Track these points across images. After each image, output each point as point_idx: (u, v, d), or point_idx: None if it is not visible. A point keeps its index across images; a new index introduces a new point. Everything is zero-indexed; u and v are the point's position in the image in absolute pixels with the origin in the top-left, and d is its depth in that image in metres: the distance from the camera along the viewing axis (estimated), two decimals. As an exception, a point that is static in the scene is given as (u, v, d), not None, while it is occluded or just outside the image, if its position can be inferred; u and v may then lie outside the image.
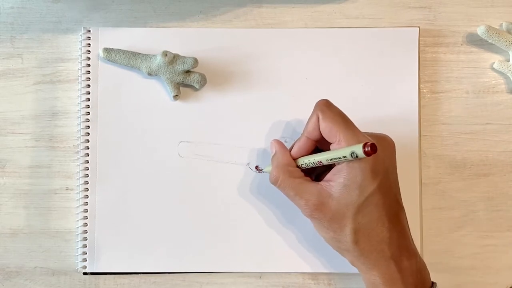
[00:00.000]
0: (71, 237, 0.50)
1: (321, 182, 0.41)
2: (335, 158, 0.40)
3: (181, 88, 0.50)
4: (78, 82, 0.50)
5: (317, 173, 0.45)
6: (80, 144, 0.49)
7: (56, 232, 0.50)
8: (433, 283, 0.42)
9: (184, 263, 0.49)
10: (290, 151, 0.45)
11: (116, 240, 0.49)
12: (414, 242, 0.43)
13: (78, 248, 0.49)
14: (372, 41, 0.50)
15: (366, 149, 0.37)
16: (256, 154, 0.49)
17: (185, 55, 0.48)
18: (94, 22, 0.51)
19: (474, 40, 0.51)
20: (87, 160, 0.49)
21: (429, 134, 0.50)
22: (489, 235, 0.50)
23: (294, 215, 0.49)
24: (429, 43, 0.51)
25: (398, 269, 0.40)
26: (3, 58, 0.51)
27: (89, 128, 0.49)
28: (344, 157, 0.39)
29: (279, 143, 0.46)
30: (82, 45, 0.50)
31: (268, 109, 0.50)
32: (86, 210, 0.49)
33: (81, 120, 0.49)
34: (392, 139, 0.43)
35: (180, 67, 0.48)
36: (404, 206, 0.43)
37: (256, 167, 0.49)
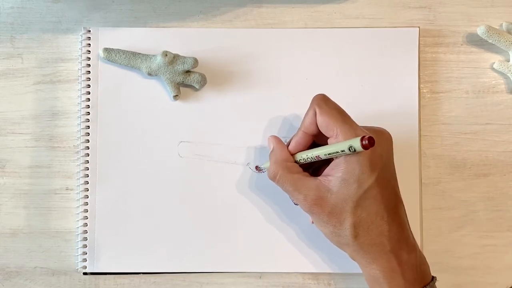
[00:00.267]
0: (71, 237, 0.50)
1: (319, 177, 0.42)
2: (333, 153, 0.40)
3: (181, 88, 0.50)
4: (78, 82, 0.50)
5: (315, 168, 0.45)
6: (80, 144, 0.49)
7: (56, 232, 0.50)
8: (433, 277, 0.42)
9: (184, 263, 0.49)
10: (287, 147, 0.45)
11: (116, 240, 0.49)
12: (414, 242, 0.43)
13: (78, 248, 0.49)
14: (372, 41, 0.50)
15: (363, 142, 0.37)
16: (256, 154, 0.49)
17: (185, 55, 0.48)
18: (94, 22, 0.51)
19: (474, 40, 0.51)
20: (87, 160, 0.49)
21: (429, 134, 0.50)
22: (489, 235, 0.50)
23: (294, 215, 0.49)
24: (429, 43, 0.51)
25: (398, 263, 0.40)
26: (3, 58, 0.51)
27: (89, 128, 0.49)
28: (342, 151, 0.39)
29: (277, 138, 0.46)
30: (82, 45, 0.50)
31: (268, 109, 0.50)
32: (86, 210, 0.49)
33: (81, 120, 0.49)
34: (390, 134, 0.43)
35: (180, 67, 0.48)
36: (404, 206, 0.43)
37: (256, 167, 0.49)
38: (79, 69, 0.50)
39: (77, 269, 0.49)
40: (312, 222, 0.44)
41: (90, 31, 0.50)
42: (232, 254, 0.49)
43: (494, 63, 0.50)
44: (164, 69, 0.48)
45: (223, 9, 0.51)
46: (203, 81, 0.49)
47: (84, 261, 0.49)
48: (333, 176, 0.40)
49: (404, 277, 0.40)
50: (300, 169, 0.44)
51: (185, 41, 0.50)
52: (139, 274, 0.49)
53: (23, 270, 0.50)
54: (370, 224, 0.40)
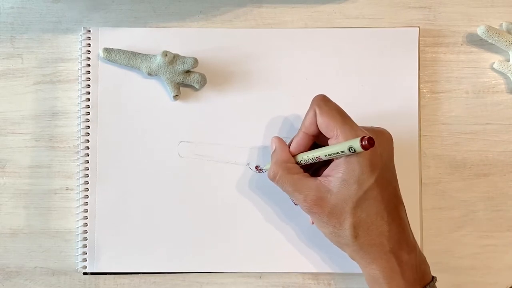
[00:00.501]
0: (71, 237, 0.50)
1: (319, 178, 0.42)
2: (333, 153, 0.40)
3: (181, 88, 0.50)
4: (78, 82, 0.50)
5: (315, 169, 0.45)
6: (80, 144, 0.49)
7: (56, 232, 0.50)
8: (433, 277, 0.42)
9: (184, 263, 0.49)
10: (289, 147, 0.45)
11: (116, 240, 0.49)
12: (414, 242, 0.43)
13: (78, 248, 0.49)
14: (372, 41, 0.50)
15: (363, 143, 0.37)
16: (256, 154, 0.49)
17: (185, 55, 0.48)
18: (94, 22, 0.51)
19: (474, 40, 0.51)
20: (87, 160, 0.49)
21: (429, 134, 0.50)
22: (489, 235, 0.50)
23: (294, 215, 0.49)
24: (429, 43, 0.51)
25: (398, 263, 0.40)
26: (3, 58, 0.51)
27: (89, 128, 0.49)
28: (342, 151, 0.39)
29: (279, 140, 0.46)
30: (82, 45, 0.50)
31: (268, 109, 0.50)
32: (86, 210, 0.49)
33: (81, 120, 0.49)
34: (391, 134, 0.43)
35: (180, 67, 0.48)
36: (404, 206, 0.43)
37: (256, 167, 0.49)
38: (79, 69, 0.50)
39: (77, 269, 0.49)
40: (312, 223, 0.44)
41: (90, 31, 0.50)
42: (232, 254, 0.49)
43: (494, 63, 0.50)
44: (164, 69, 0.48)
45: (223, 9, 0.51)
46: (203, 81, 0.49)
47: (84, 261, 0.49)
48: (333, 176, 0.40)
49: (404, 277, 0.40)
50: (301, 170, 0.44)
51: (185, 41, 0.50)
52: (139, 274, 0.49)
53: (23, 270, 0.50)
54: (370, 225, 0.40)
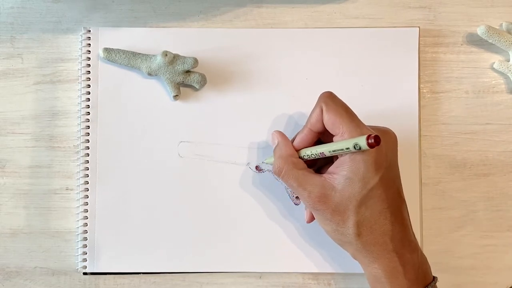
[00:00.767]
0: (71, 237, 0.50)
1: (324, 175, 0.41)
2: (338, 150, 0.40)
3: (181, 88, 0.50)
4: (78, 82, 0.50)
5: (319, 166, 0.45)
6: (80, 144, 0.49)
7: (56, 232, 0.50)
8: (434, 277, 0.42)
9: (184, 263, 0.49)
10: (292, 143, 0.45)
11: (116, 240, 0.49)
12: (414, 242, 0.43)
13: (78, 248, 0.49)
14: (372, 41, 0.50)
15: (369, 141, 0.37)
16: (256, 154, 0.49)
17: (185, 55, 0.48)
18: (94, 22, 0.51)
19: (474, 40, 0.51)
20: (87, 160, 0.49)
21: (429, 134, 0.50)
22: (489, 235, 0.50)
23: (294, 215, 0.49)
24: (429, 43, 0.51)
25: (400, 262, 0.40)
26: (3, 58, 0.51)
27: (89, 128, 0.49)
28: (347, 148, 0.39)
29: (281, 134, 0.45)
30: (82, 45, 0.50)
31: (268, 109, 0.50)
32: (86, 210, 0.49)
33: (81, 120, 0.50)
34: (396, 134, 0.43)
35: (180, 67, 0.48)
36: (407, 205, 0.43)
37: (256, 167, 0.49)
38: (79, 69, 0.50)
39: (77, 269, 0.49)
40: (308, 222, 0.44)
41: (90, 31, 0.50)
42: (232, 254, 0.49)
43: (494, 63, 0.50)
44: (164, 69, 0.48)
45: (223, 9, 0.51)
46: (203, 81, 0.49)
47: (84, 261, 0.49)
48: (338, 174, 0.40)
49: (406, 277, 0.40)
50: (305, 165, 0.43)
51: (185, 41, 0.50)
52: (139, 274, 0.49)
53: (23, 270, 0.50)
54: (373, 224, 0.40)
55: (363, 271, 0.43)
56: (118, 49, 0.49)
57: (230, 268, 0.49)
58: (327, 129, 0.42)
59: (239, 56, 0.50)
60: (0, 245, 0.50)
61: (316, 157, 0.42)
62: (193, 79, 0.49)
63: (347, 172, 0.40)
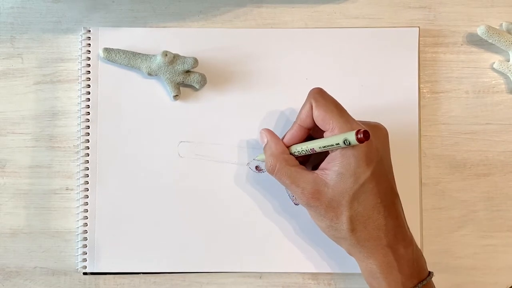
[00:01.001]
0: (71, 237, 0.50)
1: (316, 171, 0.42)
2: (328, 145, 0.40)
3: (181, 88, 0.50)
4: (78, 82, 0.50)
5: (313, 163, 0.45)
6: (80, 144, 0.49)
7: (56, 232, 0.50)
8: (429, 272, 0.42)
9: (184, 263, 0.49)
10: (282, 140, 0.45)
11: (116, 240, 0.49)
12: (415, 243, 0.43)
13: (78, 248, 0.49)
14: (372, 41, 0.50)
15: (358, 136, 0.37)
16: (256, 154, 0.49)
17: (185, 55, 0.48)
18: (94, 22, 0.51)
19: (474, 40, 0.51)
20: (87, 160, 0.49)
21: (429, 134, 0.50)
22: (489, 235, 0.50)
23: (294, 215, 0.49)
24: (429, 43, 0.51)
25: (395, 257, 0.40)
26: (3, 58, 0.51)
27: (89, 128, 0.49)
28: (337, 144, 0.39)
29: (270, 131, 0.46)
30: (82, 45, 0.50)
31: (268, 109, 0.50)
32: (86, 210, 0.49)
33: (81, 120, 0.49)
34: (387, 130, 0.44)
35: (180, 67, 0.48)
36: (404, 206, 0.43)
37: (256, 167, 0.49)
38: (79, 69, 0.50)
39: (77, 269, 0.49)
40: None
41: (90, 31, 0.50)
42: (232, 254, 0.49)
43: (494, 63, 0.50)
44: (164, 69, 0.48)
45: (223, 9, 0.51)
46: (203, 81, 0.49)
47: (84, 261, 0.49)
48: (329, 170, 0.41)
49: (401, 271, 0.40)
50: (297, 162, 0.44)
51: (185, 41, 0.50)
52: (139, 274, 0.49)
53: (23, 270, 0.50)
54: (366, 218, 0.40)
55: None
56: (118, 49, 0.49)
57: (230, 268, 0.49)
58: (317, 125, 0.42)
59: (239, 56, 0.50)
60: (0, 245, 0.50)
61: (307, 153, 0.43)
62: (193, 79, 0.49)
63: (339, 167, 0.40)
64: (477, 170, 0.50)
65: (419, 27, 0.50)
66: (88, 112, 0.49)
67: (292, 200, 0.49)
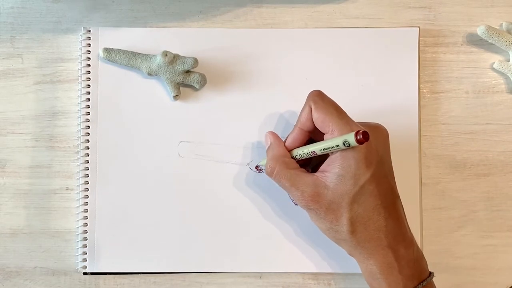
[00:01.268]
0: (71, 237, 0.50)
1: (316, 173, 0.42)
2: (328, 148, 0.40)
3: (181, 88, 0.50)
4: (78, 82, 0.50)
5: (313, 165, 0.45)
6: (80, 144, 0.49)
7: (56, 232, 0.50)
8: (430, 273, 0.42)
9: (184, 263, 0.49)
10: (284, 143, 0.45)
11: (116, 240, 0.49)
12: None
13: (78, 248, 0.49)
14: (372, 41, 0.50)
15: (358, 137, 0.37)
16: (256, 154, 0.49)
17: (185, 55, 0.48)
18: (94, 22, 0.51)
19: (474, 40, 0.51)
20: (87, 160, 0.49)
21: (429, 134, 0.50)
22: (489, 235, 0.50)
23: (294, 215, 0.49)
24: (429, 43, 0.51)
25: (395, 258, 0.40)
26: (3, 58, 0.51)
27: (89, 128, 0.49)
28: (337, 146, 0.39)
29: (274, 134, 0.46)
30: (82, 45, 0.50)
31: (268, 109, 0.50)
32: (86, 210, 0.49)
33: (81, 120, 0.50)
34: (387, 130, 0.43)
35: (180, 67, 0.48)
36: (404, 206, 0.43)
37: (256, 167, 0.49)
38: (79, 69, 0.50)
39: (77, 269, 0.49)
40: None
41: (90, 31, 0.50)
42: (232, 254, 0.49)
43: (494, 63, 0.50)
44: (164, 69, 0.48)
45: (223, 9, 0.51)
46: (203, 81, 0.49)
47: (84, 261, 0.49)
48: (329, 172, 0.41)
49: (401, 272, 0.40)
50: (297, 165, 0.44)
51: (185, 41, 0.50)
52: (139, 274, 0.49)
53: (23, 270, 0.50)
54: (367, 220, 0.40)
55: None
56: (118, 49, 0.49)
57: (230, 268, 0.49)
58: (317, 127, 0.42)
59: (239, 56, 0.50)
60: (0, 245, 0.50)
61: (308, 156, 0.43)
62: (193, 79, 0.49)
63: (338, 169, 0.40)
64: (477, 170, 0.50)
65: (419, 27, 0.50)
66: (88, 112, 0.49)
67: (292, 200, 0.49)
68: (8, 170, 0.50)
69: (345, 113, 0.42)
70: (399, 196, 0.43)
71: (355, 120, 0.41)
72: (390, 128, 0.44)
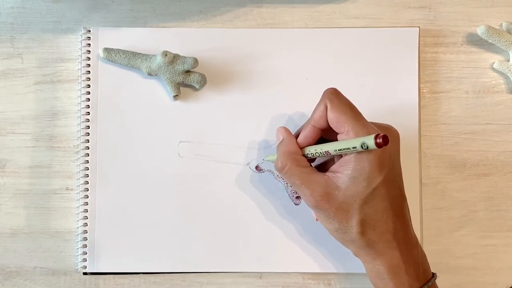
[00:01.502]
0: (71, 237, 0.50)
1: (327, 173, 0.41)
2: (344, 149, 0.39)
3: (181, 88, 0.50)
4: (78, 82, 0.50)
5: (319, 164, 0.45)
6: (80, 144, 0.49)
7: (56, 232, 0.50)
8: (433, 274, 0.42)
9: (184, 263, 0.49)
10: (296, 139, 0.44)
11: (116, 240, 0.49)
12: (414, 242, 0.43)
13: (78, 248, 0.49)
14: (372, 41, 0.50)
15: (378, 140, 0.36)
16: (256, 154, 0.49)
17: (185, 55, 0.48)
18: (94, 22, 0.51)
19: (474, 40, 0.51)
20: (87, 160, 0.49)
21: (429, 134, 0.50)
22: (489, 235, 0.50)
23: (294, 215, 0.49)
24: (429, 43, 0.51)
25: (402, 259, 0.41)
26: (3, 58, 0.51)
27: (89, 128, 0.49)
28: (353, 148, 0.38)
29: (287, 130, 0.45)
30: (82, 45, 0.50)
31: (268, 109, 0.50)
32: (86, 210, 0.49)
33: (81, 120, 0.50)
34: (398, 131, 0.43)
35: (180, 67, 0.48)
36: (407, 202, 0.43)
37: (256, 167, 0.49)
38: (79, 69, 0.50)
39: (77, 269, 0.49)
40: (317, 220, 0.44)
41: (90, 31, 0.50)
42: (232, 254, 0.49)
43: (494, 63, 0.50)
44: (164, 69, 0.48)
45: (223, 9, 0.51)
46: (203, 81, 0.49)
47: (84, 261, 0.49)
48: (341, 173, 0.40)
49: (408, 273, 0.40)
50: (308, 163, 0.43)
51: (185, 41, 0.50)
52: (139, 274, 0.49)
53: (23, 270, 0.50)
54: (376, 222, 0.40)
55: (363, 271, 0.43)
56: (118, 49, 0.49)
57: (230, 268, 0.49)
58: (331, 126, 0.41)
59: (239, 56, 0.50)
60: (0, 245, 0.50)
61: (321, 156, 0.42)
62: (193, 79, 0.49)
63: (352, 171, 0.39)
64: (477, 170, 0.50)
65: (419, 27, 0.50)
66: (88, 112, 0.49)
67: (292, 200, 0.49)
68: (8, 170, 0.50)
69: (360, 113, 0.41)
70: (406, 198, 0.43)
71: None
72: (390, 128, 0.44)
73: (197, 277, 0.49)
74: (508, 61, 0.50)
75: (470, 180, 0.50)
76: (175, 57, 0.48)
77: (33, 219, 0.50)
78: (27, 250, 0.50)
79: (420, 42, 0.50)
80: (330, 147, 0.40)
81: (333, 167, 0.41)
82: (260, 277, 0.50)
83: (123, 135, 0.49)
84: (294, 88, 0.50)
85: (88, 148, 0.49)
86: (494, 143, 0.50)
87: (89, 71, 0.50)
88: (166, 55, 0.48)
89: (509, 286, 0.50)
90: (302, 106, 0.49)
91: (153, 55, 0.49)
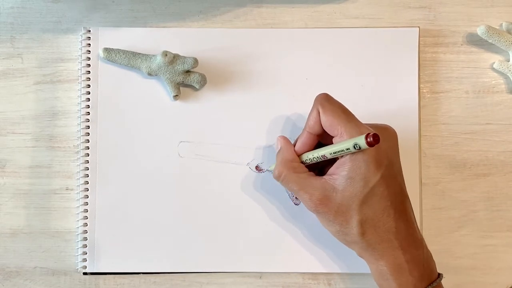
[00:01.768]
0: (71, 237, 0.50)
1: (324, 176, 0.41)
2: (338, 151, 0.40)
3: (181, 88, 0.50)
4: (78, 82, 0.50)
5: (320, 169, 0.45)
6: (80, 144, 0.49)
7: (56, 232, 0.50)
8: (439, 274, 0.42)
9: (184, 263, 0.49)
10: (294, 147, 0.45)
11: (116, 240, 0.49)
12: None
13: (78, 248, 0.49)
14: (372, 41, 0.50)
15: (368, 139, 0.37)
16: (256, 154, 0.49)
17: (185, 55, 0.48)
18: (94, 22, 0.51)
19: (474, 40, 0.51)
20: (87, 160, 0.49)
21: (429, 134, 0.50)
22: (489, 235, 0.50)
23: (294, 215, 0.49)
24: (429, 43, 0.51)
25: (405, 259, 0.40)
26: (3, 58, 0.51)
27: (89, 128, 0.49)
28: (347, 149, 0.39)
29: (285, 139, 0.46)
30: (82, 45, 0.50)
31: (268, 109, 0.50)
32: (86, 210, 0.49)
33: (81, 120, 0.50)
34: (396, 131, 0.43)
35: (180, 67, 0.48)
36: (410, 202, 0.43)
37: (256, 167, 0.49)
38: (79, 69, 0.50)
39: (77, 269, 0.49)
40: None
41: (90, 31, 0.50)
42: (232, 254, 0.49)
43: (494, 63, 0.50)
44: (164, 69, 0.48)
45: (223, 9, 0.51)
46: (203, 81, 0.49)
47: (84, 261, 0.49)
48: (338, 174, 0.40)
49: (412, 273, 0.40)
50: (306, 169, 0.44)
51: (185, 41, 0.50)
52: (139, 274, 0.49)
53: (23, 270, 0.50)
54: (377, 222, 0.40)
55: (363, 271, 0.43)
56: (118, 49, 0.49)
57: (230, 268, 0.49)
58: (326, 130, 0.42)
59: (239, 56, 0.50)
60: (0, 245, 0.50)
61: (319, 161, 0.43)
62: (193, 79, 0.49)
63: (348, 172, 0.40)
64: (477, 170, 0.50)
65: (419, 27, 0.50)
66: (88, 112, 0.49)
67: (292, 200, 0.49)
68: (8, 170, 0.50)
69: (353, 115, 0.41)
70: (408, 197, 0.43)
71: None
72: (390, 128, 0.44)
73: (197, 277, 0.49)
74: (508, 61, 0.50)
75: (470, 180, 0.50)
76: (175, 57, 0.48)
77: (33, 219, 0.50)
78: (27, 250, 0.50)
79: (420, 42, 0.50)
80: (326, 151, 0.41)
81: (331, 170, 0.41)
82: (260, 277, 0.50)
83: (123, 135, 0.49)
84: (294, 88, 0.50)
85: (88, 148, 0.49)
86: (494, 143, 0.50)
87: (89, 71, 0.50)
88: (166, 55, 0.48)
89: (509, 286, 0.49)
90: (302, 106, 0.49)
91: (153, 55, 0.49)
